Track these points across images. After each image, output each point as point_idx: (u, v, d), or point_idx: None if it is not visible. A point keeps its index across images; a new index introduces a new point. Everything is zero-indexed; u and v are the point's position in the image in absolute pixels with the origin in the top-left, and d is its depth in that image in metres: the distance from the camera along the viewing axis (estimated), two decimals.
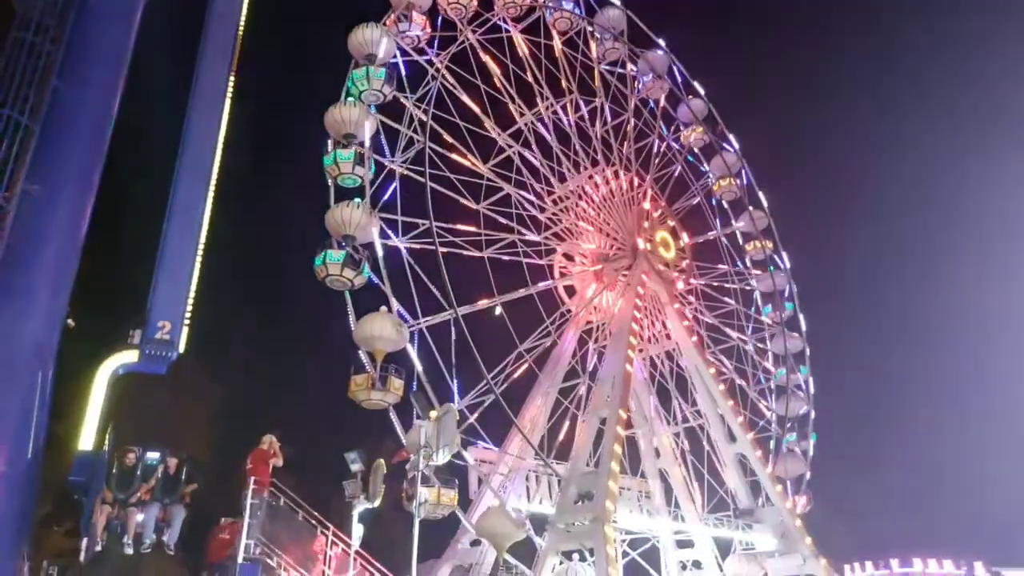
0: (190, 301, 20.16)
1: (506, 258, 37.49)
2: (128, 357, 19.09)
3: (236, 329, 46.41)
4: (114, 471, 16.75)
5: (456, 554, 36.43)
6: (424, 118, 34.95)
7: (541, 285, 38.76)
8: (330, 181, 31.94)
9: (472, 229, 36.34)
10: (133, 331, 19.23)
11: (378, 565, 18.29)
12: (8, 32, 18.84)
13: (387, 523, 26.77)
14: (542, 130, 40.53)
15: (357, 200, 31.48)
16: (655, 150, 45.77)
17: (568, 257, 41.43)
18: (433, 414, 18.26)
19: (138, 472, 16.76)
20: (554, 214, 40.01)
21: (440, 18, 37.72)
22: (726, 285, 46.79)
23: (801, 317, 48.80)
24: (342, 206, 31.08)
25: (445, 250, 33.37)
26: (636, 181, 43.94)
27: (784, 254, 49.55)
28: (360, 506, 18.18)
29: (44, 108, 18.44)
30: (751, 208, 48.80)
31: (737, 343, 45.23)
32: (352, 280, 30.44)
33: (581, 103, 42.70)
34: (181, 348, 19.55)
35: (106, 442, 17.73)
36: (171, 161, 21.72)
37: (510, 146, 39.03)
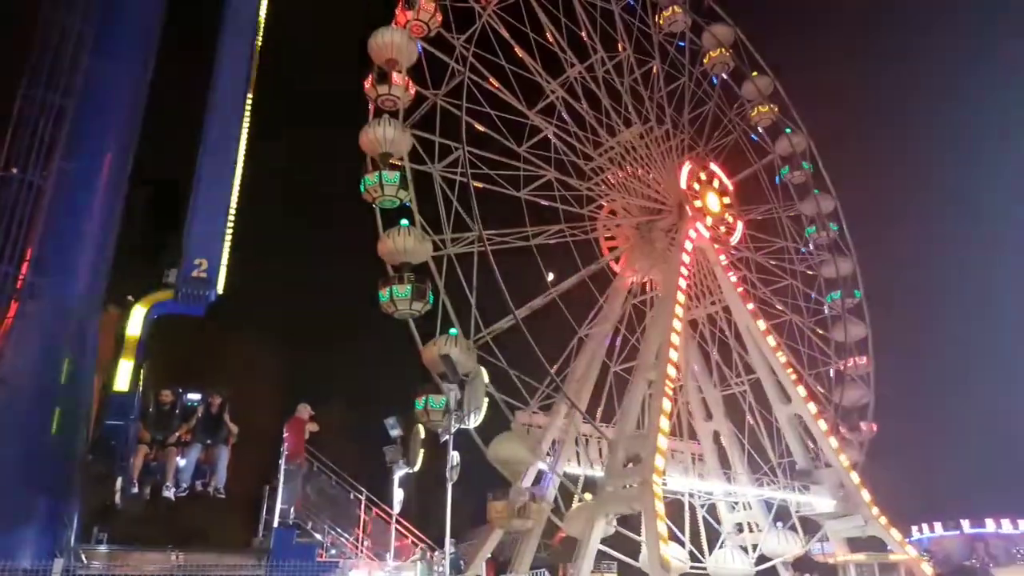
0: (228, 238, 19.20)
1: (544, 202, 37.02)
2: (164, 297, 18.44)
3: (276, 272, 46.55)
4: (150, 411, 16.12)
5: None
6: (466, 54, 34.76)
7: (578, 227, 38.09)
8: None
9: (509, 163, 35.94)
10: (168, 271, 18.60)
11: (414, 529, 18.30)
12: (39, 12, 19.16)
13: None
14: (591, 84, 39.82)
15: (404, 222, 31.04)
16: (711, 119, 44.77)
17: (611, 213, 40.78)
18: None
19: (177, 411, 16.13)
20: (598, 165, 39.35)
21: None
22: (785, 264, 45.46)
23: (864, 306, 47.02)
24: (394, 234, 30.71)
25: (478, 184, 33.19)
26: (688, 143, 42.91)
27: (850, 240, 47.74)
28: (400, 471, 18.31)
29: (77, 87, 18.79)
30: (817, 192, 47.21)
31: (792, 319, 44.04)
32: (420, 311, 30.40)
33: (635, 64, 41.81)
34: (220, 288, 18.72)
35: (140, 381, 17.20)
36: (203, 94, 21.08)
37: (555, 92, 38.41)
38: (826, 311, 45.74)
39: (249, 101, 21.83)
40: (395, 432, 18.33)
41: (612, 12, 41.82)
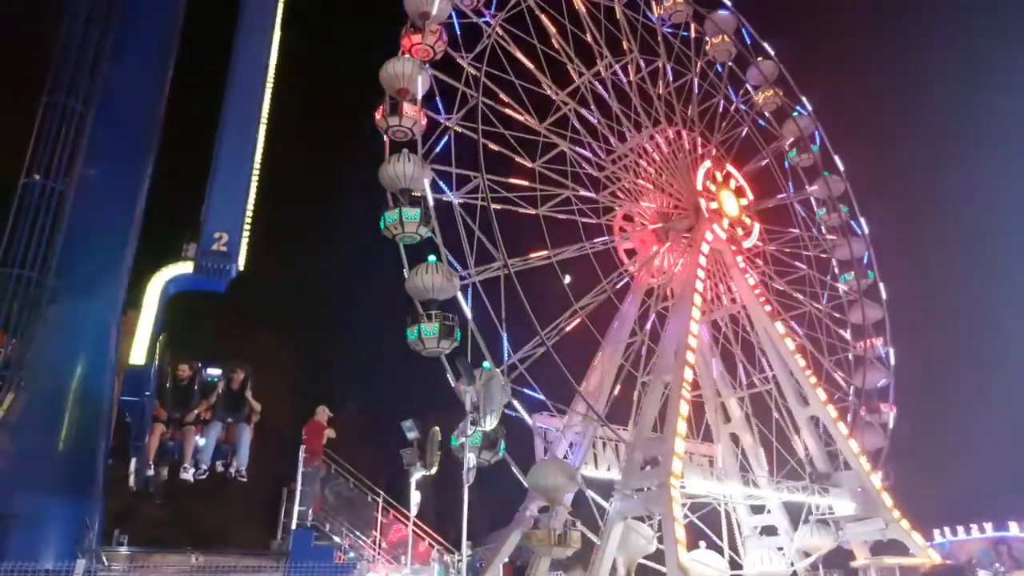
0: (249, 212, 18.61)
1: (562, 217, 37.03)
2: (182, 269, 17.84)
3: (296, 250, 46.31)
4: (168, 386, 15.27)
5: (525, 521, 36.63)
6: (478, 74, 34.67)
7: (598, 241, 38.15)
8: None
9: (524, 183, 35.89)
10: (188, 244, 18.12)
11: (431, 531, 18.33)
12: (60, 23, 19.48)
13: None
14: (600, 89, 39.79)
15: (432, 259, 30.16)
16: (720, 111, 44.36)
17: (627, 218, 40.73)
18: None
19: (196, 387, 15.34)
20: (612, 173, 39.33)
21: None
22: (800, 252, 45.11)
23: (881, 286, 46.75)
24: (421, 271, 29.80)
25: (498, 206, 33.08)
26: (700, 141, 42.71)
27: (863, 220, 47.39)
28: (417, 473, 18.35)
29: (97, 95, 19.08)
30: (827, 174, 46.84)
31: (810, 309, 43.67)
32: (448, 348, 29.61)
33: (642, 63, 41.65)
34: (240, 263, 18.12)
35: (156, 355, 16.35)
36: (224, 70, 21.07)
37: (565, 103, 38.44)
38: (841, 293, 45.28)
39: (270, 84, 21.72)
40: (412, 435, 18.39)
41: (614, 10, 41.59)
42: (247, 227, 18.57)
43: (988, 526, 64.21)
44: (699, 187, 40.88)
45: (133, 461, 14.96)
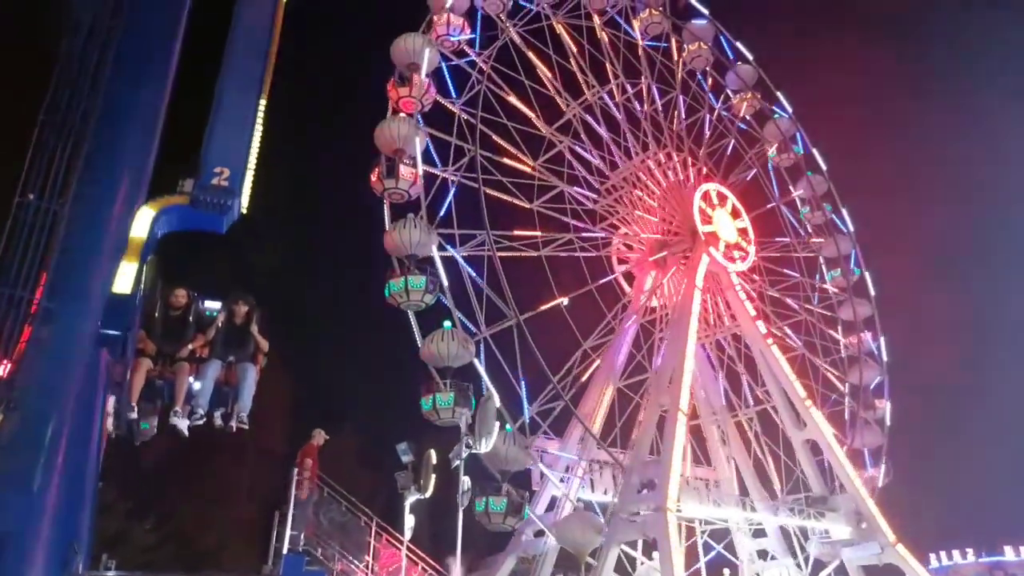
0: (255, 148, 16.36)
1: (563, 254, 37.12)
2: (177, 201, 15.80)
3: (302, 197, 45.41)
4: (157, 316, 13.17)
5: (520, 546, 36.32)
6: (473, 121, 34.44)
7: (601, 281, 38.38)
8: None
9: (528, 233, 35.96)
10: (183, 180, 16.20)
11: (425, 556, 18.10)
12: (59, 39, 19.42)
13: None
14: (591, 120, 39.92)
15: (448, 325, 30.27)
16: (707, 124, 44.50)
17: (628, 246, 40.85)
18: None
19: (191, 319, 13.20)
20: (609, 205, 39.44)
21: (479, 14, 37.18)
22: (791, 255, 45.23)
23: (869, 282, 46.78)
24: (437, 338, 29.94)
25: (503, 254, 32.89)
26: (690, 160, 42.86)
27: (847, 217, 47.41)
28: (411, 497, 18.17)
29: (96, 112, 18.97)
30: (810, 174, 46.88)
31: (805, 317, 43.67)
32: (465, 416, 29.78)
33: (628, 86, 41.81)
34: (244, 203, 15.83)
35: (142, 281, 14.15)
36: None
37: (560, 141, 38.53)
38: (831, 292, 45.26)
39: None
40: (407, 458, 18.23)
41: (595, 33, 41.79)
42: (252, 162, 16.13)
43: (984, 551, 63.93)
44: (695, 211, 41.01)
45: (111, 401, 13.07)
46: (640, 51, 43.07)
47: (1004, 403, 67.68)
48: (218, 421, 12.94)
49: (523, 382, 30.91)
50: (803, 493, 37.65)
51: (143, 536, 15.20)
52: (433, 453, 18.64)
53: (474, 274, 32.06)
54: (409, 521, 18.22)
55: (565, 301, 35.39)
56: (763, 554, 38.59)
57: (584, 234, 38.16)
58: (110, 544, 15.24)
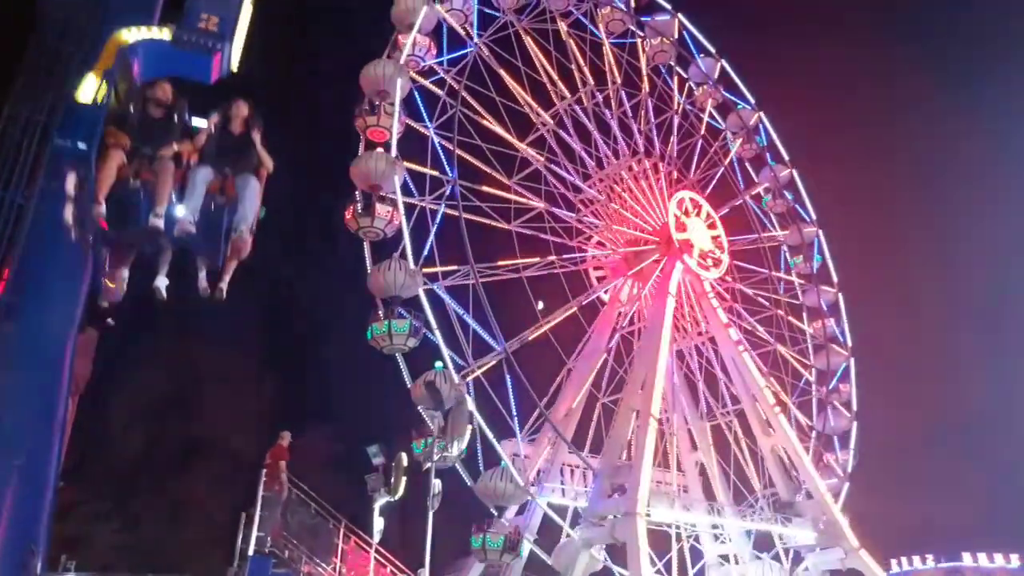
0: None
1: (544, 273, 37.11)
2: (156, 36, 12.13)
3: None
4: (132, 112, 10.57)
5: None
6: (449, 147, 33.61)
7: (584, 299, 38.32)
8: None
9: (511, 262, 35.73)
10: (163, 27, 12.50)
11: (394, 559, 17.98)
12: (28, 34, 19.06)
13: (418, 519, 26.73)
14: (563, 133, 39.68)
15: (440, 366, 29.71)
16: (674, 124, 44.57)
17: (603, 256, 40.94)
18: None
19: (175, 122, 10.51)
20: (586, 217, 39.44)
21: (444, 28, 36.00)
22: (758, 246, 45.48)
23: (832, 268, 47.35)
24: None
25: (487, 280, 32.54)
26: (661, 166, 43.03)
27: (809, 206, 47.87)
28: (381, 499, 18.04)
29: (62, 106, 18.62)
30: (773, 164, 47.14)
31: (774, 311, 44.04)
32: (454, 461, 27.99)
33: (596, 92, 41.69)
34: (235, 61, 12.50)
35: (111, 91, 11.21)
36: None
37: (536, 159, 38.30)
38: (795, 280, 45.64)
39: None
40: (377, 460, 18.10)
41: (562, 40, 41.65)
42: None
43: (942, 557, 65.06)
44: (671, 218, 41.18)
45: (69, 207, 10.39)
46: (605, 50, 42.84)
47: (971, 417, 69.09)
48: (202, 283, 10.73)
49: (515, 418, 31.00)
50: (771, 498, 38.02)
51: (108, 537, 14.93)
52: (404, 456, 18.55)
53: (460, 310, 31.22)
54: (378, 524, 18.12)
55: (550, 325, 35.24)
56: (727, 558, 38.95)
57: (565, 256, 38.04)
58: (70, 545, 14.86)
